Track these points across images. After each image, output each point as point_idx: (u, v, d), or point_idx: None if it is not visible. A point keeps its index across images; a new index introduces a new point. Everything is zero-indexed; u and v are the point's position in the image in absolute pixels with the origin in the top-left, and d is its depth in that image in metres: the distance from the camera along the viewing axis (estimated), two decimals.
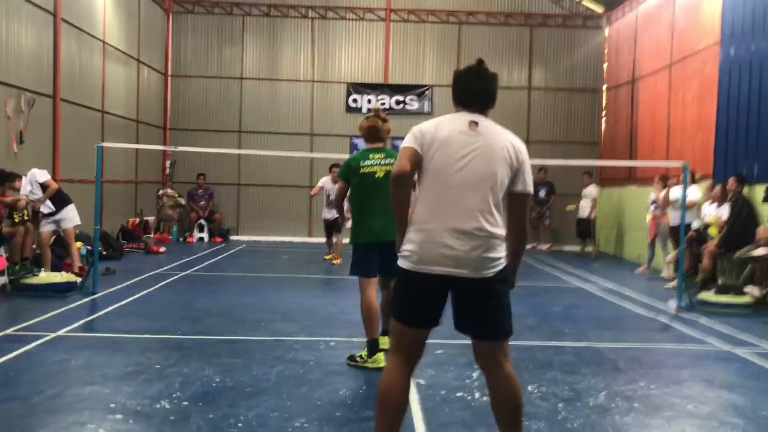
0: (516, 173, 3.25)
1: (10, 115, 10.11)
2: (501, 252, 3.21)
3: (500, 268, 3.20)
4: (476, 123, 3.27)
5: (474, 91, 3.35)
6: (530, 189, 3.30)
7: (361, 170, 5.44)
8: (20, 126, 10.40)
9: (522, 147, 3.32)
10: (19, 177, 9.15)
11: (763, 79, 10.24)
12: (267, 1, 17.52)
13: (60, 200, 9.44)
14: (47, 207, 9.33)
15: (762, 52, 10.28)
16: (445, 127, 3.27)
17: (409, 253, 3.23)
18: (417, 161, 3.24)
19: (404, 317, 3.31)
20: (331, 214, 12.82)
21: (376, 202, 5.36)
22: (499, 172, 3.20)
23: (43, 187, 9.26)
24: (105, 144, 9.55)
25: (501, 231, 3.21)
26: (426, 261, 3.18)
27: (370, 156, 5.52)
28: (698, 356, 6.36)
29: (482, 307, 3.24)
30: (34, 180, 9.22)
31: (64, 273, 8.87)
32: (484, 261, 3.16)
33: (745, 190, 10.27)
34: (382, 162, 5.46)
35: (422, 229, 3.21)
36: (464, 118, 3.29)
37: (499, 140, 3.25)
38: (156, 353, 5.78)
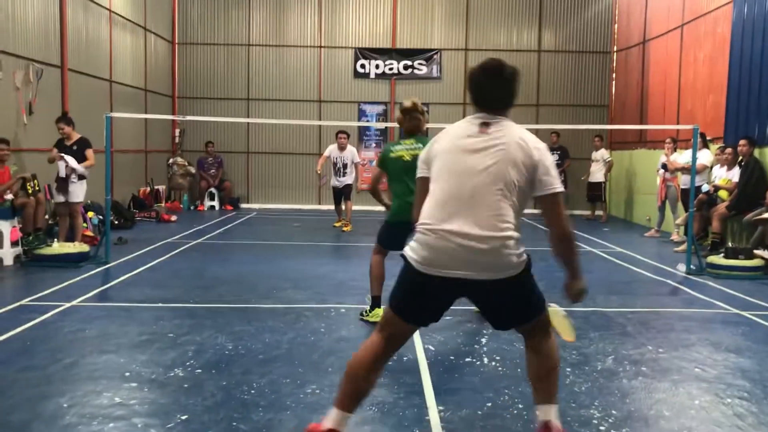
0: (533, 173, 3.04)
1: (18, 86, 10.12)
2: (515, 250, 3.03)
3: (517, 270, 3.05)
4: (487, 124, 3.14)
5: (487, 95, 3.22)
6: (556, 187, 3.05)
7: (392, 155, 5.83)
8: (29, 97, 10.42)
9: (539, 145, 3.10)
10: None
11: None
12: None
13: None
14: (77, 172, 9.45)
15: None
16: (450, 133, 3.23)
17: (419, 253, 3.09)
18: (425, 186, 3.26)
19: (400, 310, 3.20)
20: (340, 181, 12.83)
21: (402, 184, 5.74)
22: (510, 173, 3.02)
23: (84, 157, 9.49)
24: (114, 114, 9.57)
25: (514, 233, 3.02)
26: (438, 264, 3.04)
27: (402, 142, 5.91)
28: (706, 319, 6.39)
29: (506, 305, 3.16)
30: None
31: (76, 243, 8.96)
32: (499, 263, 3.01)
33: (756, 152, 10.19)
34: (410, 147, 5.80)
35: (433, 231, 3.06)
36: (476, 121, 3.18)
37: (512, 140, 3.07)
38: (169, 322, 5.87)
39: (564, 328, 3.53)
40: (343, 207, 13.01)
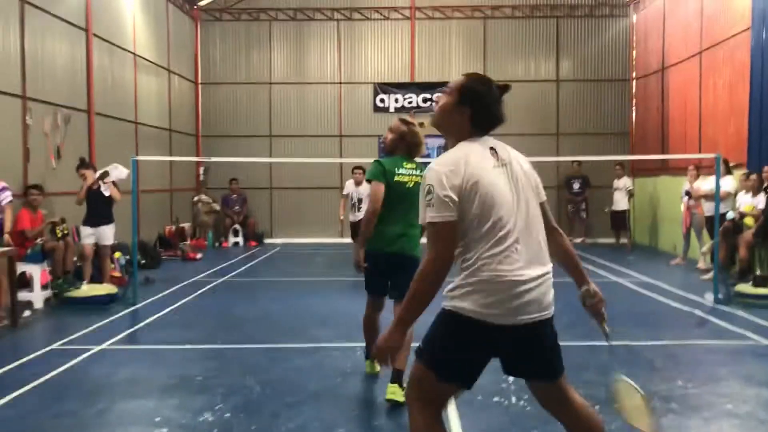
0: (537, 189, 2.94)
1: (47, 131, 10.39)
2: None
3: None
4: (495, 150, 2.88)
5: (497, 114, 2.94)
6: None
7: (396, 178, 5.13)
8: (57, 141, 10.68)
9: (525, 158, 3.02)
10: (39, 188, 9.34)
11: None
12: (293, 5, 17.68)
13: (107, 217, 9.67)
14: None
15: None
16: (475, 164, 2.78)
17: (483, 303, 2.71)
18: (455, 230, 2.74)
19: (452, 374, 2.81)
20: (356, 216, 12.74)
21: (397, 211, 5.10)
22: (534, 200, 2.90)
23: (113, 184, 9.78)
24: (140, 158, 9.78)
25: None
26: (510, 312, 2.72)
27: (404, 165, 5.21)
28: (736, 352, 6.31)
29: (543, 346, 2.87)
30: (119, 178, 9.76)
31: (104, 285, 9.11)
32: (551, 298, 2.84)
33: None
34: (413, 173, 5.18)
35: (516, 281, 2.72)
36: (485, 146, 2.88)
37: (516, 163, 2.90)
38: (197, 364, 5.93)
39: (640, 415, 3.00)
40: None
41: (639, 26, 17.13)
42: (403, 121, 5.30)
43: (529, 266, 2.76)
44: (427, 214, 2.72)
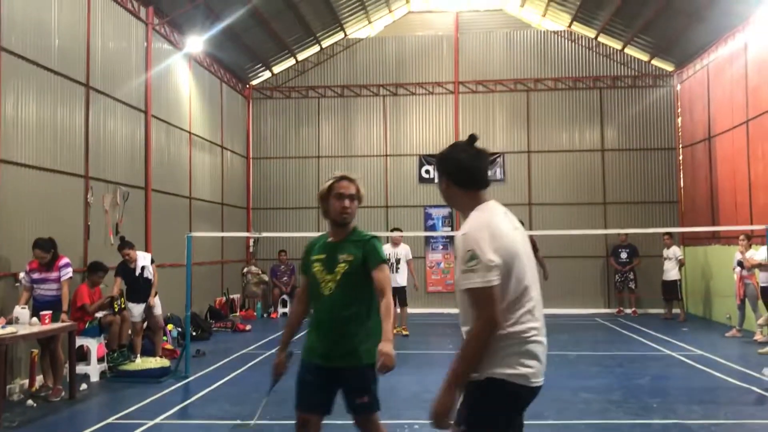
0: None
1: (107, 208, 10.86)
2: None
3: None
4: (506, 213, 3.02)
5: (477, 171, 3.00)
6: None
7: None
8: (116, 218, 11.14)
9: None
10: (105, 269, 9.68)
11: None
12: (340, 82, 18.32)
13: (146, 293, 9.99)
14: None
15: None
16: (506, 230, 2.87)
17: (531, 368, 2.81)
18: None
19: None
20: (395, 279, 12.64)
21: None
22: None
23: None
24: (194, 234, 10.10)
25: None
26: (541, 374, 2.88)
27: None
28: None
29: None
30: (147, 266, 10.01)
31: (157, 358, 9.32)
32: None
33: None
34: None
35: (536, 339, 2.86)
36: (499, 209, 2.98)
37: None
38: None
39: None
40: (397, 310, 12.84)
41: (683, 95, 17.18)
42: (344, 177, 4.17)
43: (543, 329, 2.91)
44: (471, 280, 2.75)
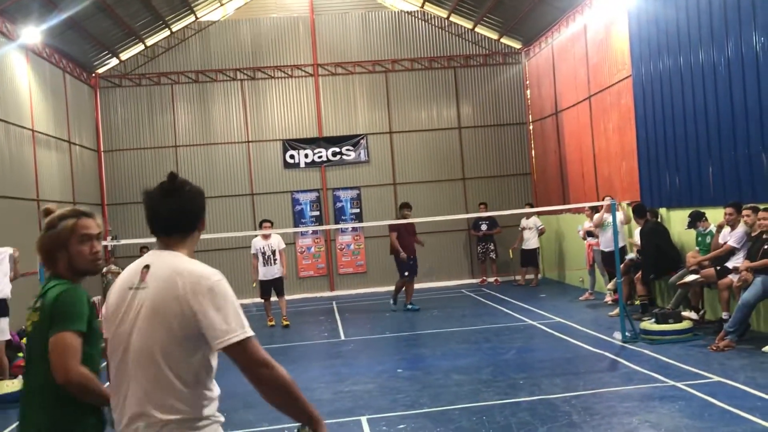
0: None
1: None
2: None
3: None
4: (148, 267, 2.67)
5: (161, 215, 2.72)
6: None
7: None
8: None
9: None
10: None
11: (675, 107, 10.87)
12: (195, 68, 17.68)
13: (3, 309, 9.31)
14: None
15: (671, 82, 10.94)
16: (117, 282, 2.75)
17: None
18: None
19: None
20: (270, 272, 12.37)
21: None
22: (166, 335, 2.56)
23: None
24: None
25: None
26: None
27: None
28: (645, 396, 6.70)
29: None
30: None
31: (15, 381, 8.72)
32: None
33: (666, 214, 10.88)
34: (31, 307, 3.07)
35: None
36: (144, 259, 2.74)
37: (171, 285, 2.60)
38: None
39: None
40: (276, 299, 12.70)
41: (532, 72, 18.04)
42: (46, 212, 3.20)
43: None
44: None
